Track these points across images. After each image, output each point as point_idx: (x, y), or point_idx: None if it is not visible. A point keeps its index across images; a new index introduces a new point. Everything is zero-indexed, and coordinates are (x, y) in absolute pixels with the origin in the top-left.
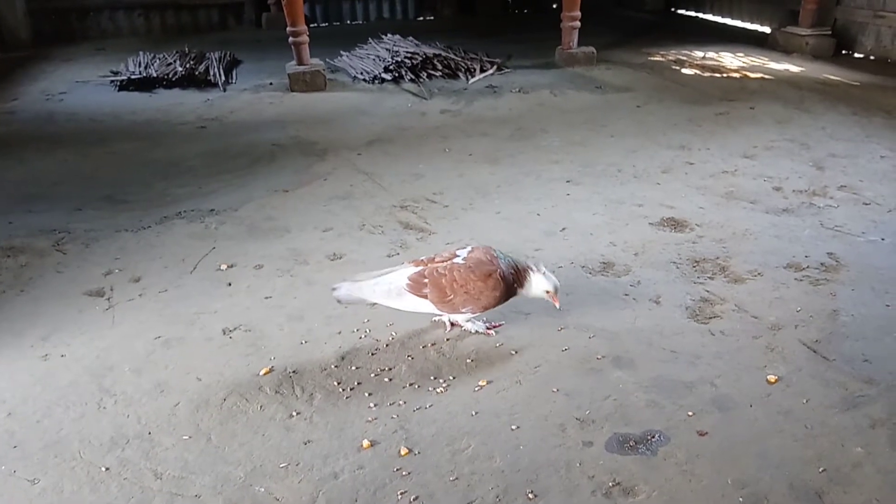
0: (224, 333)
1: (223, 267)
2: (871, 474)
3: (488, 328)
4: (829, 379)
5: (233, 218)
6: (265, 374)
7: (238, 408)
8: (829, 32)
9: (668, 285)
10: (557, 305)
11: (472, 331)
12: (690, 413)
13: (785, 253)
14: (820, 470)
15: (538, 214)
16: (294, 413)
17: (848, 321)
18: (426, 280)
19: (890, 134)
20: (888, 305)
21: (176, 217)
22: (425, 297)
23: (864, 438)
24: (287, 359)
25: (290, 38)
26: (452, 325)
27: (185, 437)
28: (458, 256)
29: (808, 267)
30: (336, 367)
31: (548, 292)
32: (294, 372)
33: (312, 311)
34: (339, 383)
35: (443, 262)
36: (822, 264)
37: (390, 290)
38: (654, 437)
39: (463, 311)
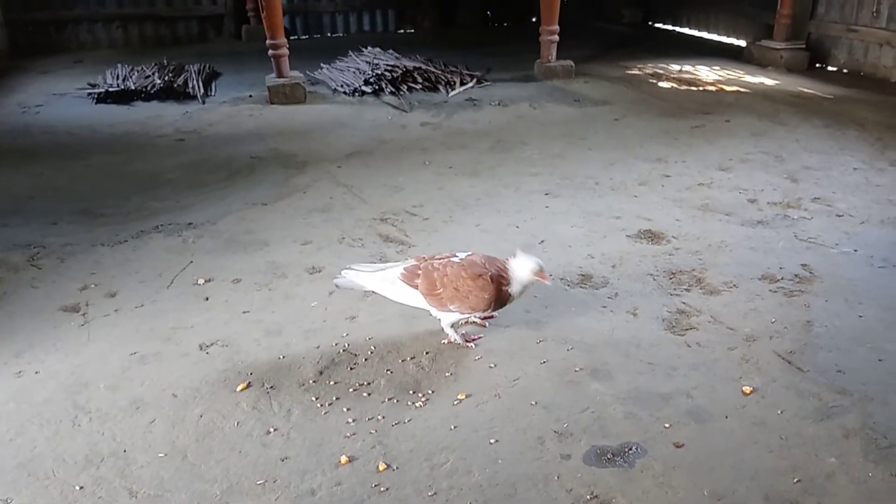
0: (201, 349)
1: (200, 281)
2: (844, 484)
3: (467, 341)
4: (803, 390)
5: (211, 231)
6: (242, 389)
7: (214, 424)
8: (804, 46)
9: (645, 297)
10: (548, 282)
11: (452, 339)
12: (667, 425)
13: (760, 265)
14: (794, 480)
15: (517, 227)
16: (271, 429)
17: (822, 332)
18: (420, 272)
19: (863, 146)
20: (861, 316)
21: (153, 231)
22: (416, 287)
23: (837, 449)
24: (265, 374)
25: (270, 51)
26: (468, 340)
27: (160, 455)
28: (456, 257)
29: (782, 279)
30: (314, 382)
31: (533, 272)
32: (272, 387)
33: (291, 326)
34: (317, 398)
35: (440, 259)
36: (796, 276)
37: (385, 277)
38: (631, 449)
39: (451, 307)
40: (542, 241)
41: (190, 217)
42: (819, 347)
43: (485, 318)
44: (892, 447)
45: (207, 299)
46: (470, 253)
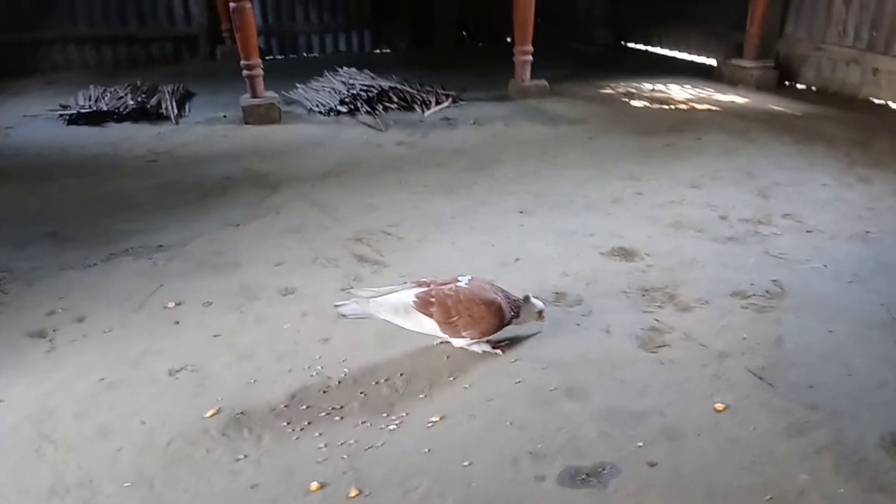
0: (170, 374)
1: (171, 305)
2: (816, 501)
3: (493, 346)
4: (774, 406)
5: (182, 254)
6: (211, 415)
7: (183, 452)
8: (773, 65)
9: (619, 314)
10: (543, 323)
11: (479, 351)
12: (640, 444)
13: (731, 281)
14: (767, 498)
15: (492, 245)
16: (241, 456)
17: (792, 348)
18: (433, 299)
19: (831, 163)
20: (831, 331)
21: (123, 254)
22: (431, 315)
23: (809, 465)
24: (235, 399)
25: (245, 71)
26: (495, 346)
27: (126, 484)
28: (461, 282)
29: (753, 295)
30: (286, 406)
31: (539, 313)
32: (242, 413)
33: (262, 349)
34: (288, 423)
35: (446, 284)
36: (767, 292)
37: (397, 307)
38: (605, 469)
39: (464, 334)
40: (517, 260)
41: (161, 239)
42: (790, 363)
43: (496, 347)
44: (863, 462)
45: (177, 323)
46: (470, 278)
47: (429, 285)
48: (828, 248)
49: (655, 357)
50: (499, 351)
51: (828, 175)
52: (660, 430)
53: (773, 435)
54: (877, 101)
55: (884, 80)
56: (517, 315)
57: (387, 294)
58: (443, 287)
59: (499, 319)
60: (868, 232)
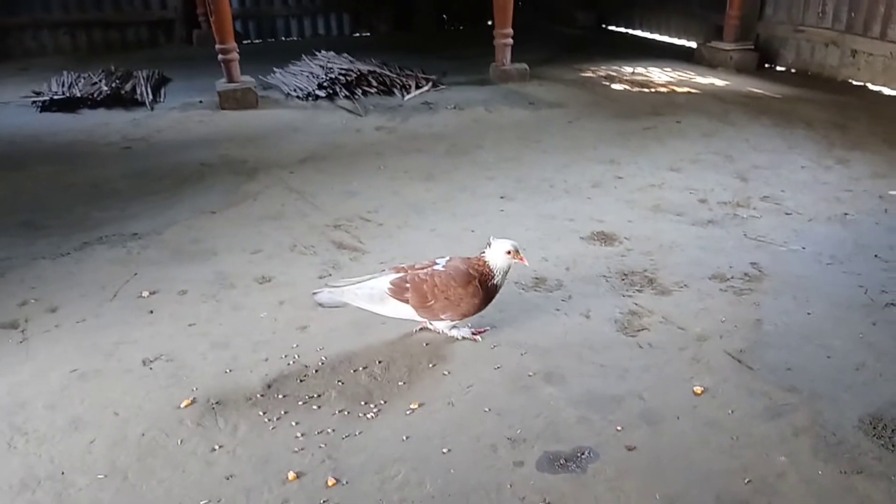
0: (144, 364)
1: (145, 294)
2: (794, 483)
3: (474, 333)
4: (753, 389)
5: (157, 242)
6: (186, 405)
7: (157, 443)
8: (752, 47)
9: (598, 299)
10: (526, 262)
11: (458, 336)
12: (619, 428)
13: (710, 264)
14: (745, 481)
15: (473, 231)
16: (216, 446)
17: (771, 330)
18: (408, 285)
19: (810, 145)
20: (809, 313)
21: (97, 242)
22: (406, 301)
23: (787, 447)
24: (210, 389)
25: (220, 56)
26: (475, 333)
27: (100, 477)
28: (438, 264)
29: (732, 277)
30: (262, 395)
31: (509, 252)
32: (217, 403)
33: (238, 338)
34: (264, 413)
35: (423, 269)
36: (745, 274)
37: (372, 294)
38: (584, 453)
39: (443, 317)
40: None
41: (135, 227)
42: (768, 345)
43: (476, 334)
44: (841, 444)
45: (152, 312)
46: (449, 258)
47: (406, 271)
48: (806, 231)
49: (634, 341)
50: (478, 337)
51: (806, 157)
52: (639, 414)
53: (751, 418)
54: (855, 83)
55: (862, 61)
56: (491, 277)
57: (363, 282)
58: (419, 272)
59: (478, 299)
60: (846, 214)
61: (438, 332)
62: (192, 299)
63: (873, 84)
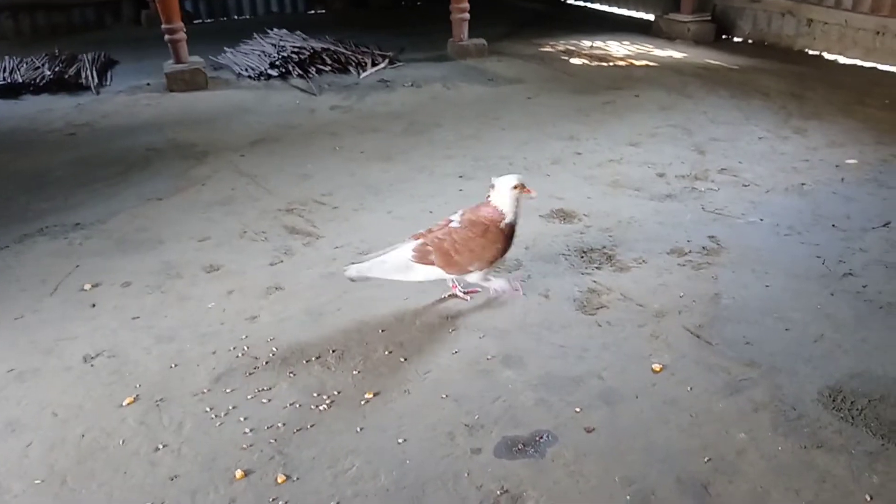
0: (85, 361)
1: (87, 287)
2: (754, 460)
3: (514, 289)
4: (712, 364)
5: (100, 232)
6: (129, 403)
7: (98, 444)
8: (710, 18)
9: (557, 278)
10: (534, 194)
11: (498, 289)
12: (578, 409)
13: (668, 239)
14: (705, 460)
15: (431, 212)
16: (160, 445)
17: (729, 304)
18: (430, 248)
19: (767, 115)
20: (767, 286)
21: (37, 234)
22: (433, 263)
23: (747, 423)
24: (154, 385)
25: (166, 36)
26: (467, 292)
27: (37, 482)
28: (453, 221)
29: (690, 252)
30: (209, 390)
31: (515, 187)
32: (161, 399)
33: (184, 331)
34: (211, 409)
35: (440, 229)
36: (703, 248)
37: (398, 265)
38: (542, 437)
39: (471, 269)
40: None
41: (78, 217)
42: (727, 319)
43: (468, 293)
44: (801, 418)
45: (94, 306)
46: (461, 212)
47: (424, 236)
48: (764, 202)
49: (593, 319)
50: (519, 292)
51: (764, 128)
52: (598, 394)
53: (710, 394)
54: (811, 52)
55: (818, 30)
56: (505, 217)
57: (386, 254)
58: (437, 234)
59: (500, 244)
60: (803, 184)
61: (480, 290)
62: (137, 291)
63: (829, 53)
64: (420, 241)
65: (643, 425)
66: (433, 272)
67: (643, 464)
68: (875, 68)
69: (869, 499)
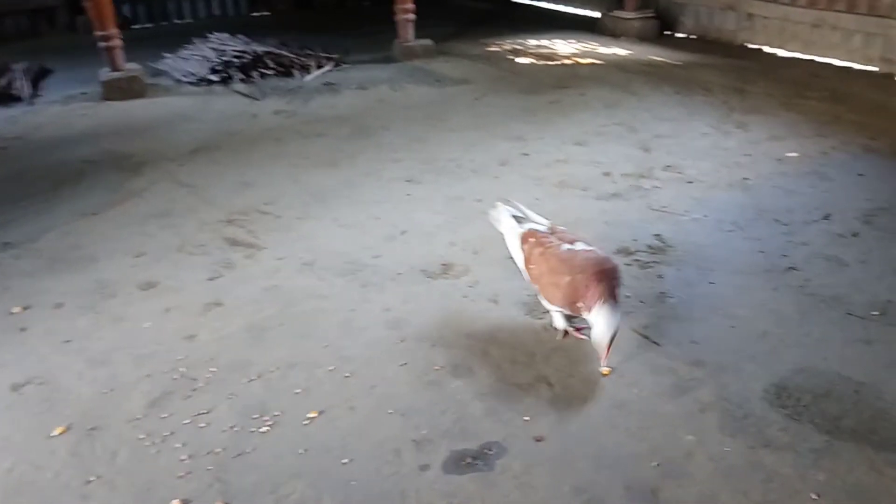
0: (13, 390)
1: (16, 310)
2: (702, 462)
3: (577, 329)
4: (659, 365)
5: (30, 251)
6: (60, 433)
7: (26, 478)
8: (653, 14)
9: (506, 282)
10: (604, 363)
11: (557, 326)
12: (527, 418)
13: (615, 238)
14: (654, 464)
15: (378, 218)
16: (93, 477)
17: (675, 303)
18: (532, 239)
19: (710, 110)
20: (712, 283)
21: None
22: (522, 251)
23: (694, 425)
24: (86, 413)
25: (100, 43)
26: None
27: None
28: (575, 244)
29: (636, 251)
30: (144, 416)
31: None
32: (94, 428)
33: (119, 353)
34: (147, 435)
35: (560, 233)
36: (649, 247)
37: (513, 228)
38: (491, 450)
39: (535, 286)
40: (404, 232)
41: (7, 236)
42: (673, 319)
43: (578, 330)
44: (747, 417)
45: (23, 330)
46: (590, 249)
47: (555, 231)
48: (708, 198)
49: (541, 324)
50: (580, 334)
51: (707, 124)
52: (547, 401)
53: (658, 396)
54: (752, 46)
55: (758, 24)
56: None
57: (520, 218)
58: (554, 235)
59: (560, 293)
60: (746, 179)
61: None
62: (69, 313)
63: (769, 46)
64: (542, 228)
65: (592, 431)
66: (518, 258)
67: (593, 471)
68: (813, 61)
69: (815, 497)
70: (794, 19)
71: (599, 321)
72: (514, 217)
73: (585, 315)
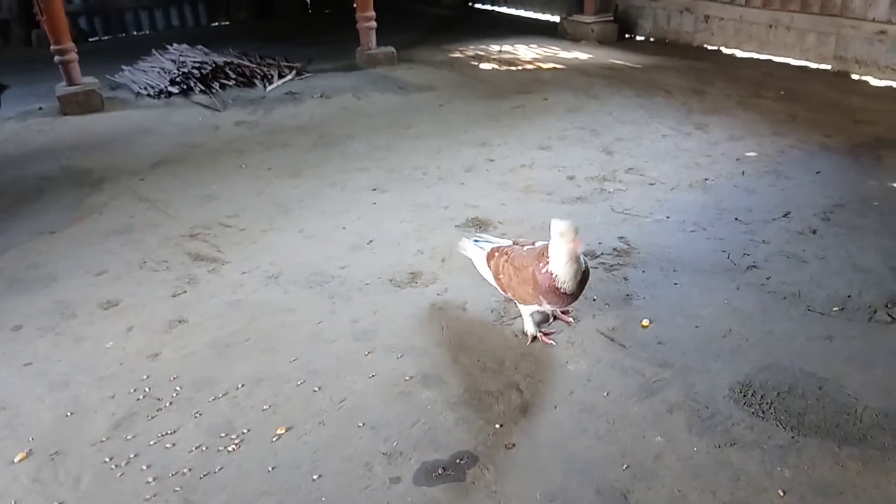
0: None
1: None
2: (671, 464)
3: (545, 334)
4: (626, 367)
5: None
6: (21, 459)
7: None
8: (612, 18)
9: (474, 289)
10: (578, 248)
11: (526, 330)
12: (498, 425)
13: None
14: (624, 467)
15: (344, 228)
16: (56, 503)
17: (641, 304)
18: (496, 254)
19: (670, 112)
20: (676, 284)
21: None
22: (490, 267)
23: (662, 426)
24: (48, 437)
25: (56, 57)
26: (546, 334)
27: None
28: (536, 244)
29: (601, 254)
30: (108, 439)
31: (562, 234)
32: (56, 452)
33: (81, 375)
34: (111, 458)
35: (522, 245)
36: (614, 249)
37: (479, 253)
38: (462, 459)
39: (509, 294)
40: (371, 241)
41: None
42: (639, 320)
43: (547, 335)
44: (714, 417)
45: None
46: (544, 244)
47: (517, 243)
48: (670, 200)
49: (510, 329)
50: (550, 340)
51: (667, 125)
52: (517, 407)
53: (626, 398)
54: (710, 48)
55: (715, 26)
56: (547, 264)
57: (484, 242)
58: (512, 246)
59: (530, 287)
60: (707, 179)
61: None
62: (28, 335)
63: (726, 48)
64: (503, 245)
65: (562, 436)
66: (489, 276)
67: (563, 477)
68: (770, 60)
69: (782, 494)
70: (749, 20)
71: (555, 243)
72: (478, 244)
73: (551, 261)
